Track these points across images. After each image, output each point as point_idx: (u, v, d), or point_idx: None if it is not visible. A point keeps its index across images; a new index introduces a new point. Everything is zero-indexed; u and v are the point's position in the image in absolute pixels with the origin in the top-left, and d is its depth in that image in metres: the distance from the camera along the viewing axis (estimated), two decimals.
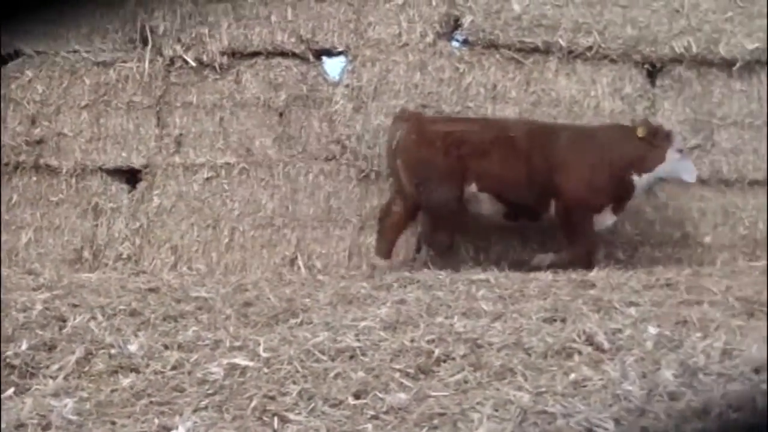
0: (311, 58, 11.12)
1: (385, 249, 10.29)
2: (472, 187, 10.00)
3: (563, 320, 6.87)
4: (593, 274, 9.23)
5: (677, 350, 5.98)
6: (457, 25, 10.99)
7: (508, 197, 10.01)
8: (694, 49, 10.69)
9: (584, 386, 5.24)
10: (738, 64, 10.73)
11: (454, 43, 11.14)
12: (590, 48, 10.75)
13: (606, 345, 6.10)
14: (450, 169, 9.98)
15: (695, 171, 10.24)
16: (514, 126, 10.30)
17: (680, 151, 10.11)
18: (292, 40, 11.02)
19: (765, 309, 7.41)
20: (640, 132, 9.94)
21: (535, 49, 10.82)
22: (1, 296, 7.72)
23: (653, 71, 10.99)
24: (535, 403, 4.89)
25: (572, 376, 5.40)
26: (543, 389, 5.16)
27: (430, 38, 10.87)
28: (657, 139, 9.97)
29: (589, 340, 6.16)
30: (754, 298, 7.78)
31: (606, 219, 10.11)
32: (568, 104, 10.81)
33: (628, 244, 10.71)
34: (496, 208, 10.09)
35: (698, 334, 6.41)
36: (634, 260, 10.61)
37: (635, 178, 10.04)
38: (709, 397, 4.95)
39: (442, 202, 10.00)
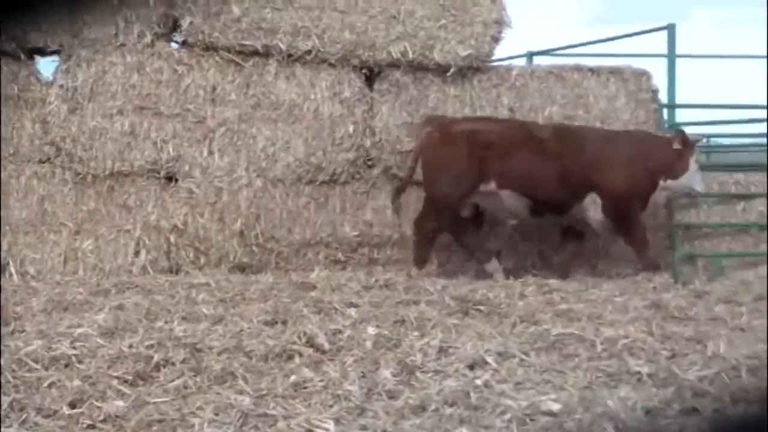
0: (23, 56, 10.71)
1: (422, 259, 10.20)
2: (491, 186, 10.01)
3: (284, 322, 6.94)
4: (314, 276, 9.35)
5: (396, 349, 6.16)
6: (175, 26, 10.84)
7: (534, 194, 10.03)
8: (410, 55, 10.91)
9: (305, 388, 5.31)
10: (452, 70, 11.03)
11: (173, 45, 11.00)
12: (309, 52, 10.80)
13: (326, 346, 6.19)
14: (467, 166, 10.00)
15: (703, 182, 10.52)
16: (539, 128, 10.41)
17: (697, 161, 10.35)
18: (2, 37, 10.58)
19: (479, 307, 7.71)
20: (677, 144, 10.07)
21: (255, 52, 10.78)
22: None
23: (371, 75, 11.15)
24: (256, 406, 4.92)
25: (293, 378, 5.46)
26: (264, 392, 5.20)
27: (148, 39, 10.66)
28: (685, 148, 10.14)
29: (310, 342, 6.25)
30: (468, 297, 8.07)
31: None
32: (287, 107, 10.84)
33: (348, 246, 10.83)
34: (520, 204, 10.09)
35: (416, 333, 6.61)
36: (353, 261, 10.76)
37: (661, 182, 10.21)
38: (427, 393, 5.09)
39: (447, 193, 10.02)
